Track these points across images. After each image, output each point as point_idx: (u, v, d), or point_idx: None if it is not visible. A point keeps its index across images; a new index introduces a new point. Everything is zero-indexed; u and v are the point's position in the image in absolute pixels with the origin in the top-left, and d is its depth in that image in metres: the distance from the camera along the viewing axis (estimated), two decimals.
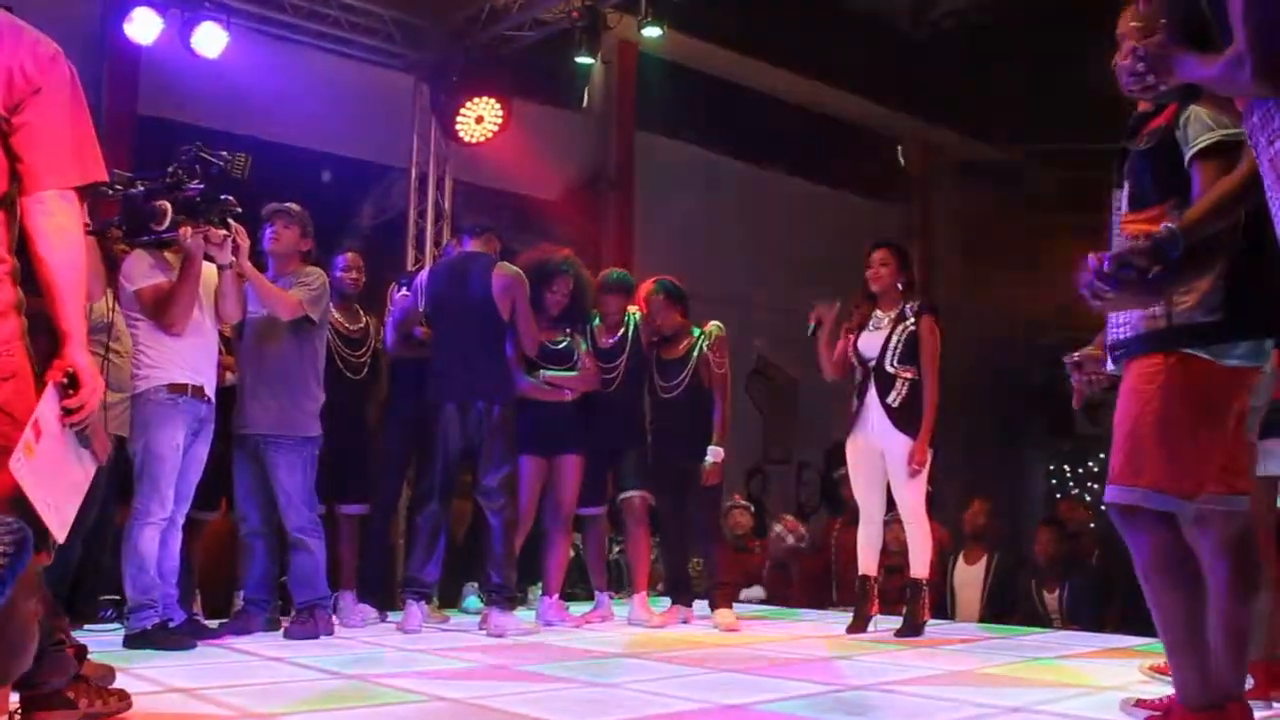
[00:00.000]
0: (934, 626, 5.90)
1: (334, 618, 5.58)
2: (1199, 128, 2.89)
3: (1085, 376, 3.41)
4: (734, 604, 6.32)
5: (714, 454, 6.07)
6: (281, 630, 5.36)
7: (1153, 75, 2.51)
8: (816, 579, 8.77)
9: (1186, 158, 2.90)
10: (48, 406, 2.55)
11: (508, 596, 5.64)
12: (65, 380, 2.57)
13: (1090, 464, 14.02)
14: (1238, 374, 2.88)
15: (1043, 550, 7.75)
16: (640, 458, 6.24)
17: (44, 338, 2.58)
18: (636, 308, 6.36)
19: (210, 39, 7.46)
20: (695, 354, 6.23)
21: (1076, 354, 3.45)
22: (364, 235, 9.42)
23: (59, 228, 2.58)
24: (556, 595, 6.14)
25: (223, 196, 4.89)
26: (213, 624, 5.43)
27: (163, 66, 7.77)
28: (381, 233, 9.36)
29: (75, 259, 2.60)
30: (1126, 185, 3.11)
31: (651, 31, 8.24)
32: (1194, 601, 2.79)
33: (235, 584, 6.16)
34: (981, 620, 7.50)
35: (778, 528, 8.80)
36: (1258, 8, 2.14)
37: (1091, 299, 2.70)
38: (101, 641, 4.72)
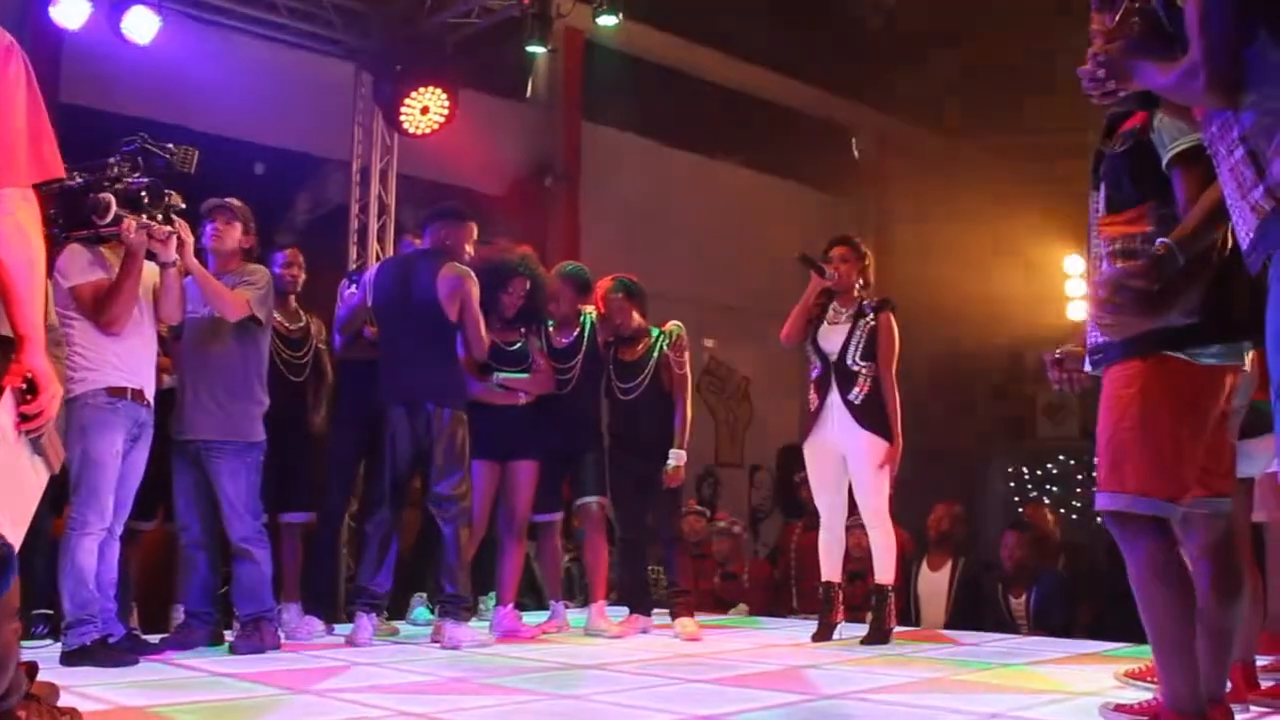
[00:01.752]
0: (900, 633, 5.99)
1: (280, 631, 5.57)
2: (1175, 131, 2.97)
3: (1065, 374, 3.50)
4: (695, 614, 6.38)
5: (676, 458, 6.13)
6: (226, 645, 5.35)
7: (1112, 81, 2.63)
8: (766, 584, 8.84)
9: (1165, 160, 2.99)
10: (3, 413, 2.55)
11: (462, 607, 5.66)
12: (23, 385, 2.58)
13: (1050, 466, 14.23)
14: (1216, 373, 2.97)
15: (1009, 555, 7.88)
16: (597, 463, 6.27)
17: None
18: (592, 307, 6.40)
19: (141, 24, 7.39)
20: (655, 355, 6.29)
21: (1059, 350, 3.54)
22: (300, 230, 9.40)
23: (16, 226, 2.59)
24: (511, 605, 6.17)
25: (166, 191, 4.87)
26: (153, 639, 5.40)
27: (88, 52, 7.69)
28: (319, 228, 9.33)
29: (33, 259, 2.61)
30: (1103, 187, 3.20)
31: (607, 20, 8.27)
32: (1187, 610, 2.87)
33: (173, 596, 6.15)
34: (948, 627, 7.62)
35: (720, 523, 8.99)
36: (1212, 21, 2.25)
37: (1098, 324, 2.82)
38: (37, 659, 4.68)
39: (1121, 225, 3.10)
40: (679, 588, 6.30)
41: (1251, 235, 2.37)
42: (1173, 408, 2.94)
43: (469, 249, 5.96)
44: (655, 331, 6.34)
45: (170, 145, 4.91)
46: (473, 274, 5.82)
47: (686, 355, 6.33)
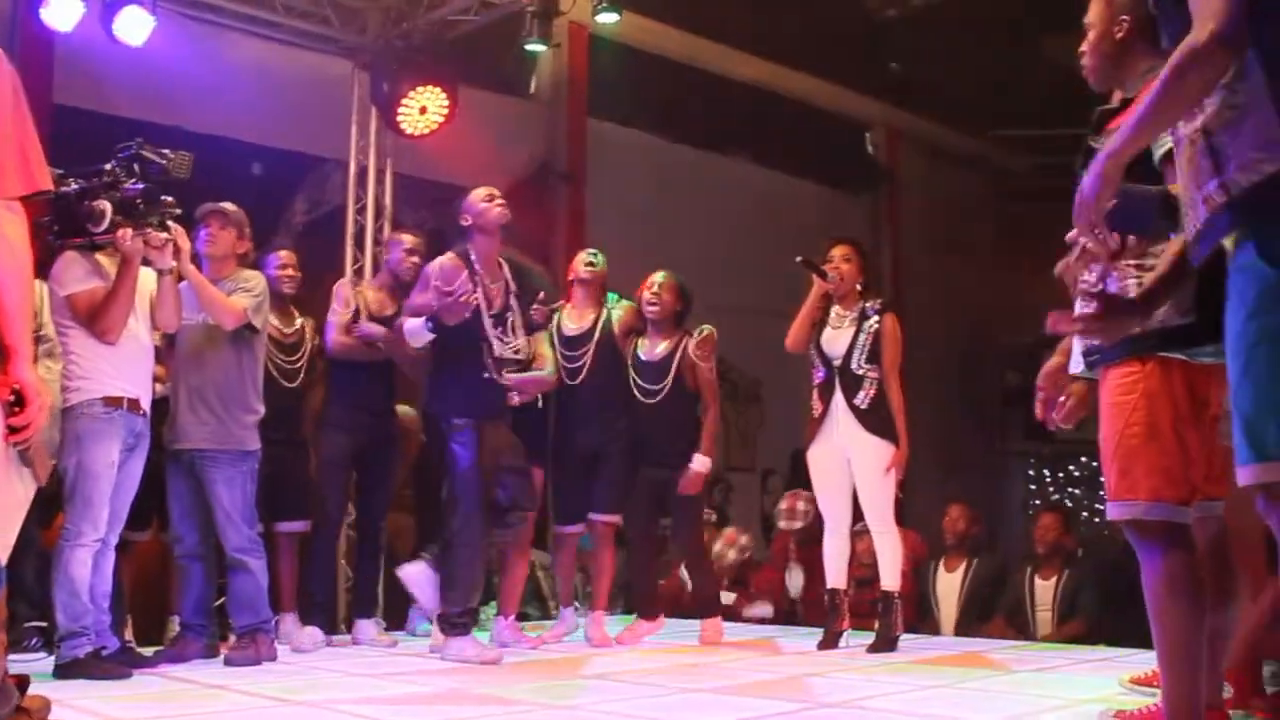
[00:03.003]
0: (908, 640, 6.06)
1: (276, 642, 5.66)
2: None
3: (1046, 397, 3.51)
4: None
5: (700, 464, 6.14)
6: (221, 657, 5.44)
7: (1094, 231, 2.65)
8: (777, 593, 8.84)
9: (1156, 157, 3.03)
10: None
11: (467, 620, 5.66)
12: (11, 397, 2.67)
13: (1071, 468, 14.29)
14: (1214, 370, 2.97)
15: (1043, 536, 7.86)
16: (615, 475, 6.18)
17: None
18: (618, 298, 6.38)
19: (134, 25, 7.48)
20: (679, 354, 6.26)
21: (1041, 379, 3.53)
22: (297, 232, 9.51)
23: (3, 239, 2.68)
24: (512, 617, 6.24)
25: (163, 197, 4.96)
26: (147, 651, 5.49)
27: (81, 53, 7.79)
28: (316, 229, 9.44)
29: (21, 272, 2.70)
30: None
31: (607, 18, 8.35)
32: (1198, 623, 2.89)
33: (167, 608, 6.25)
34: (958, 626, 7.69)
35: (717, 546, 8.67)
36: None
37: (1083, 333, 2.87)
38: (29, 671, 4.78)
39: None
40: (707, 595, 6.44)
41: (1199, 227, 2.40)
42: (1176, 410, 2.98)
43: None
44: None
45: (166, 151, 5.00)
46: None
47: (713, 356, 6.32)
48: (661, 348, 6.29)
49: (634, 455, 6.21)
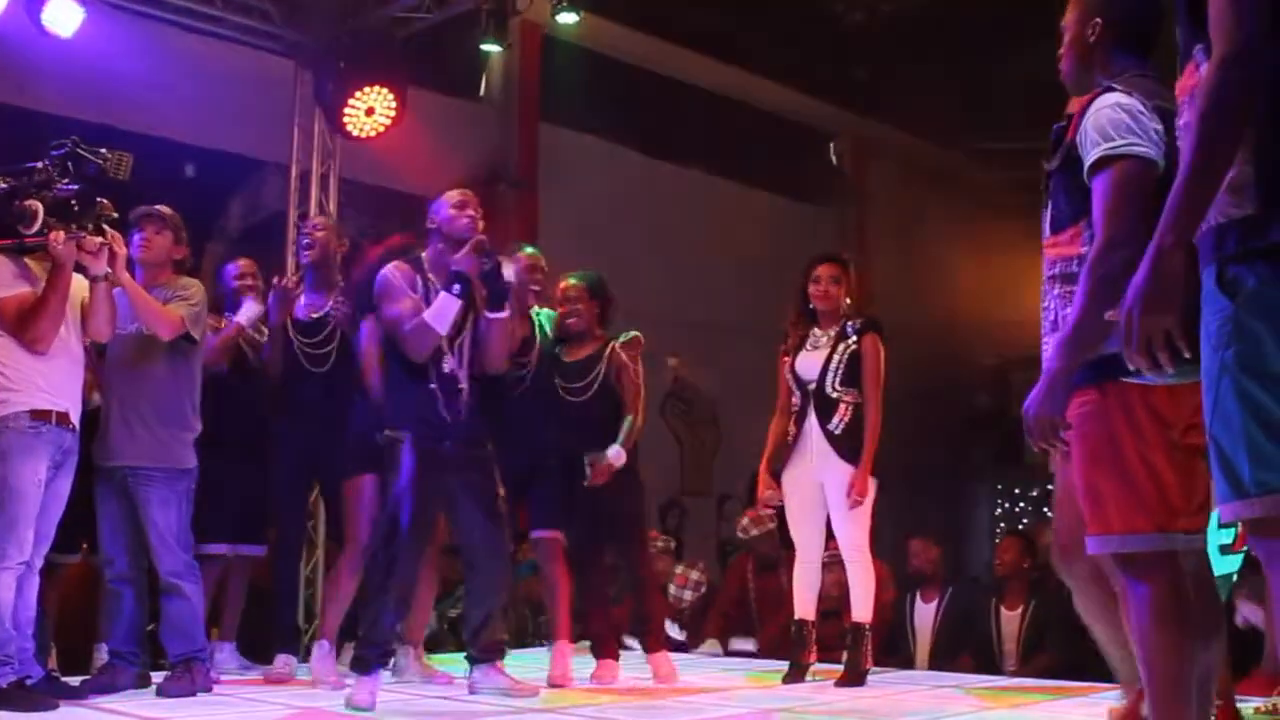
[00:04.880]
0: (878, 675, 6.10)
1: (213, 671, 5.62)
2: (1089, 141, 3.01)
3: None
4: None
5: (614, 455, 5.87)
6: (154, 687, 5.39)
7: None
8: (732, 619, 8.74)
9: (1085, 169, 3.04)
10: None
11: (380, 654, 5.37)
12: None
13: (1038, 494, 14.40)
14: (1179, 392, 2.96)
15: (1004, 560, 7.91)
16: (552, 488, 6.01)
17: None
18: (539, 308, 6.20)
19: (63, 16, 7.41)
20: (605, 354, 6.08)
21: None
22: (232, 239, 9.46)
23: None
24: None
25: (98, 199, 4.93)
26: (74, 681, 5.43)
27: (6, 45, 7.70)
28: (254, 236, 9.39)
29: None
30: (1050, 206, 3.28)
31: (567, 18, 8.39)
32: (1187, 657, 2.90)
33: (95, 635, 6.19)
34: (932, 657, 7.74)
35: (671, 588, 8.57)
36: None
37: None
38: None
39: (1061, 246, 3.15)
40: (653, 623, 6.27)
41: None
42: (1137, 435, 2.97)
43: None
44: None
45: (104, 150, 4.97)
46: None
47: (639, 358, 6.13)
48: (586, 350, 6.13)
49: (571, 469, 6.01)
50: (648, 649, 6.17)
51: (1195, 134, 2.28)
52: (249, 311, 6.11)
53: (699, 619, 8.57)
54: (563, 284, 6.17)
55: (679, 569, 8.80)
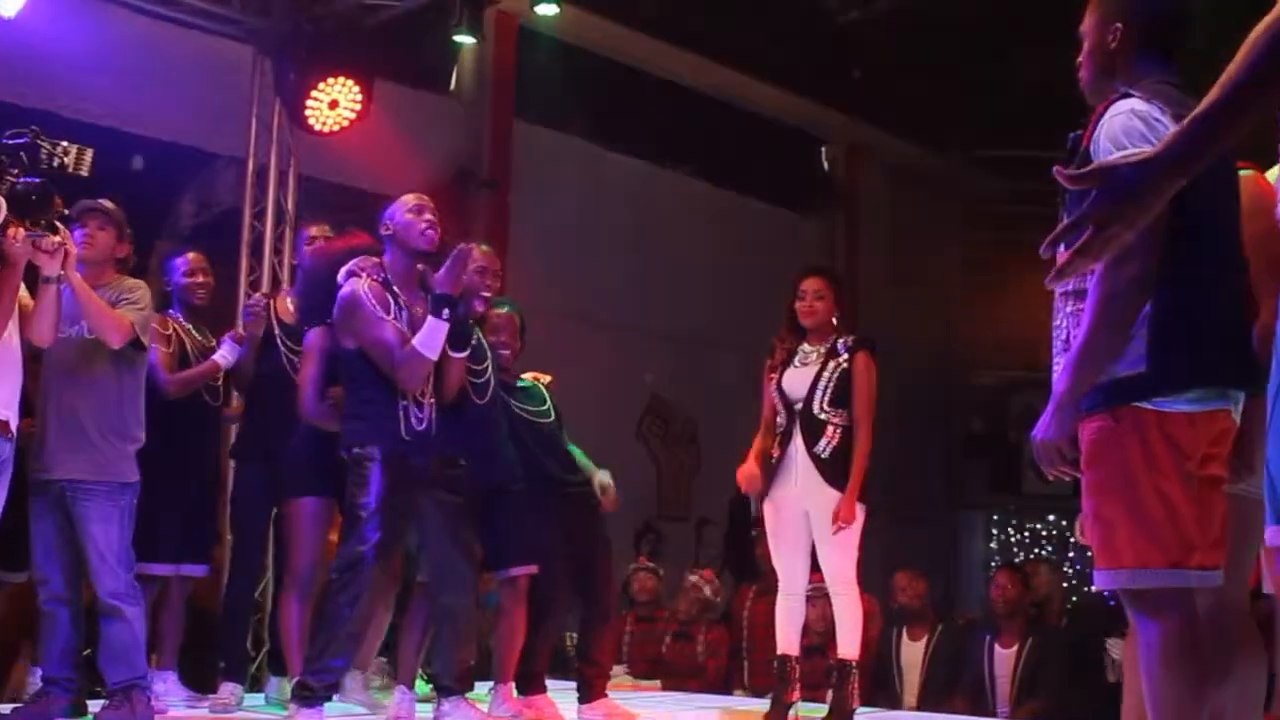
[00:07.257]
0: (865, 715, 6.09)
1: (154, 700, 5.57)
2: (1102, 149, 3.05)
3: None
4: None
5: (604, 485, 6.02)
6: (89, 716, 5.34)
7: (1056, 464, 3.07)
8: (723, 654, 8.83)
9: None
10: None
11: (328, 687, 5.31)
12: None
13: (1038, 526, 14.45)
14: (1198, 420, 2.99)
15: (1000, 594, 7.94)
16: (520, 518, 5.82)
17: None
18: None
19: None
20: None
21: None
22: (183, 236, 9.42)
23: None
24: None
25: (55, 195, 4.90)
26: (4, 709, 5.39)
27: None
28: (207, 234, 9.33)
29: None
30: (1065, 216, 3.29)
31: (546, 9, 8.38)
32: (1198, 696, 2.91)
33: (26, 659, 6.14)
34: (920, 697, 7.75)
35: (693, 577, 8.99)
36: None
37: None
38: None
39: None
40: (598, 664, 6.10)
41: None
42: (1152, 464, 2.97)
43: None
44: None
45: (64, 143, 4.93)
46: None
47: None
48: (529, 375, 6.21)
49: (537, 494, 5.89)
50: (588, 699, 5.97)
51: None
52: (229, 354, 6.10)
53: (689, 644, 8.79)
54: (493, 315, 5.97)
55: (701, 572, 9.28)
